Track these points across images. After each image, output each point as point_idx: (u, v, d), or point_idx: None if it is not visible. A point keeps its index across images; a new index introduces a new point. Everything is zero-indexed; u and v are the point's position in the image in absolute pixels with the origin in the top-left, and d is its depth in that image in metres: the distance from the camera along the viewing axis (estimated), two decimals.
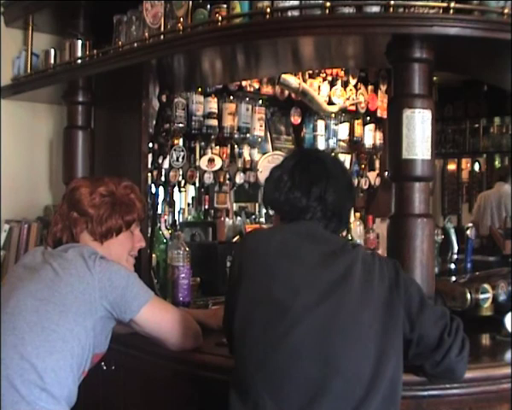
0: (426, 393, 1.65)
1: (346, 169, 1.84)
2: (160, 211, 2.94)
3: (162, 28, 2.22)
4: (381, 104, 4.03)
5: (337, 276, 1.47)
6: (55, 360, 1.63)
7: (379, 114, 4.07)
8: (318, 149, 3.47)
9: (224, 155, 3.34)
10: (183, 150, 3.10)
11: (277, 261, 1.51)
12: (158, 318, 1.81)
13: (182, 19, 2.13)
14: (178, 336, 1.84)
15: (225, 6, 2.03)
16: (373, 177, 4.13)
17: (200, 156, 3.25)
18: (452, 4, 1.77)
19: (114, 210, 1.87)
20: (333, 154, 3.84)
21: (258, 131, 3.45)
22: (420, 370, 1.59)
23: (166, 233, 2.80)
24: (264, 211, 3.74)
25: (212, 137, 3.24)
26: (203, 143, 3.26)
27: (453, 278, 2.83)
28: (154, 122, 2.81)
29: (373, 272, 1.50)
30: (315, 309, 1.43)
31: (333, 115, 3.85)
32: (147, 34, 2.26)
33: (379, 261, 1.54)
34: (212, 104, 3.18)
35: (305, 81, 3.58)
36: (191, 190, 3.47)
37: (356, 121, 4.02)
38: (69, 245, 1.81)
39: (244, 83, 3.34)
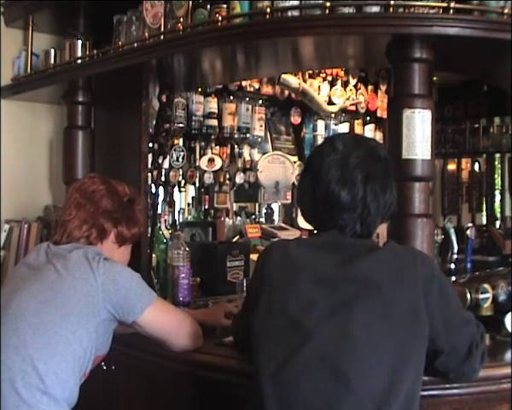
0: (426, 393, 1.63)
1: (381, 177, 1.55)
2: (159, 211, 2.94)
3: (162, 28, 2.22)
4: (381, 104, 4.03)
5: (352, 283, 1.42)
6: (56, 362, 1.63)
7: (379, 114, 4.07)
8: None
9: (224, 155, 3.34)
10: (183, 150, 3.11)
11: (292, 275, 1.48)
12: (160, 319, 1.81)
13: (182, 19, 2.13)
14: (180, 337, 1.84)
15: (225, 6, 2.03)
16: None
17: (200, 156, 3.25)
18: (452, 4, 1.77)
19: (138, 220, 1.96)
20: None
21: (258, 131, 3.45)
22: (441, 375, 1.59)
23: (166, 233, 2.80)
24: (263, 211, 3.74)
25: (212, 137, 3.25)
26: (203, 143, 3.27)
27: (453, 278, 2.83)
28: (154, 122, 2.80)
29: (401, 271, 1.42)
30: (326, 323, 1.39)
31: (333, 115, 3.86)
32: (147, 34, 2.26)
33: (412, 257, 1.45)
34: (212, 104, 3.19)
35: (305, 81, 3.58)
36: (191, 190, 3.47)
37: (356, 121, 4.02)
38: (75, 245, 1.80)
39: (244, 83, 3.35)
